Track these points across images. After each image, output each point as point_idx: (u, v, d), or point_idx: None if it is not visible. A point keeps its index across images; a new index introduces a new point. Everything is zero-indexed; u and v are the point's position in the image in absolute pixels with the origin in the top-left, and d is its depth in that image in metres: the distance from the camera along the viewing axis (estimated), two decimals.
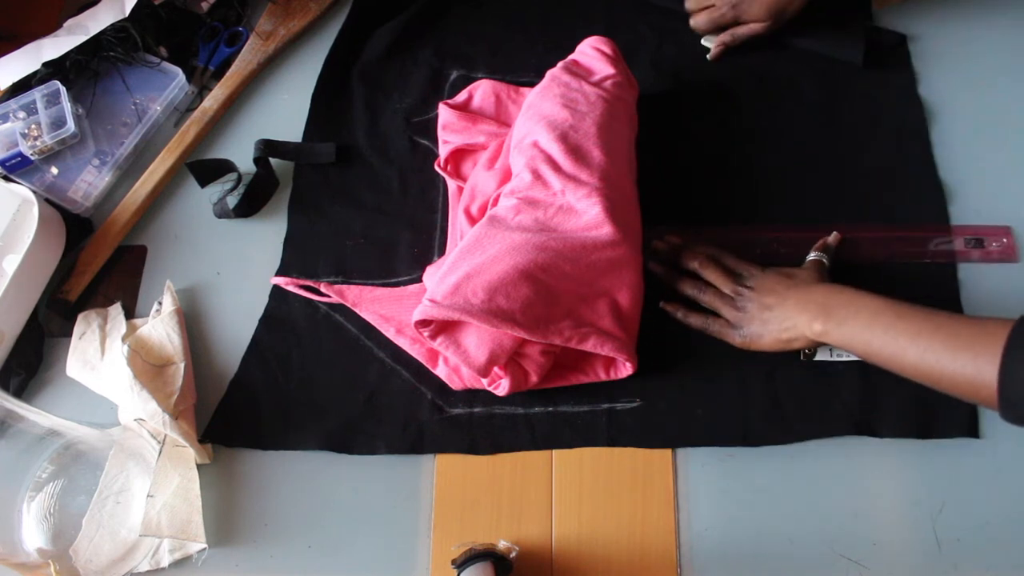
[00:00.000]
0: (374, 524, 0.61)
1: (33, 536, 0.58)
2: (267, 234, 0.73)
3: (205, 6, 0.84)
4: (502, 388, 0.60)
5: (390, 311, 0.66)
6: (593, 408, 0.63)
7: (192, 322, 0.69)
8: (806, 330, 0.57)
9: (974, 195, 0.69)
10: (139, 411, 0.61)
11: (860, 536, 0.58)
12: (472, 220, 0.68)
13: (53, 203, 0.73)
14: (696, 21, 0.78)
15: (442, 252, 0.70)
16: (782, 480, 0.60)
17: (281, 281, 0.69)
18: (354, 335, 0.67)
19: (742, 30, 0.76)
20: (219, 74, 0.81)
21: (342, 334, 0.67)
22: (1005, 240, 0.67)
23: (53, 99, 0.76)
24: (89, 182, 0.75)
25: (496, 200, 0.66)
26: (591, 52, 0.70)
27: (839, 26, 0.77)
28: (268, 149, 0.74)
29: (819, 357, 0.63)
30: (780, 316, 0.59)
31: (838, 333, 0.56)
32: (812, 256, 0.64)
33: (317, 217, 0.73)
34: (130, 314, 0.70)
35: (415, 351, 0.64)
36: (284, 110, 0.80)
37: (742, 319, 0.61)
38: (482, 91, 0.75)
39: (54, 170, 0.76)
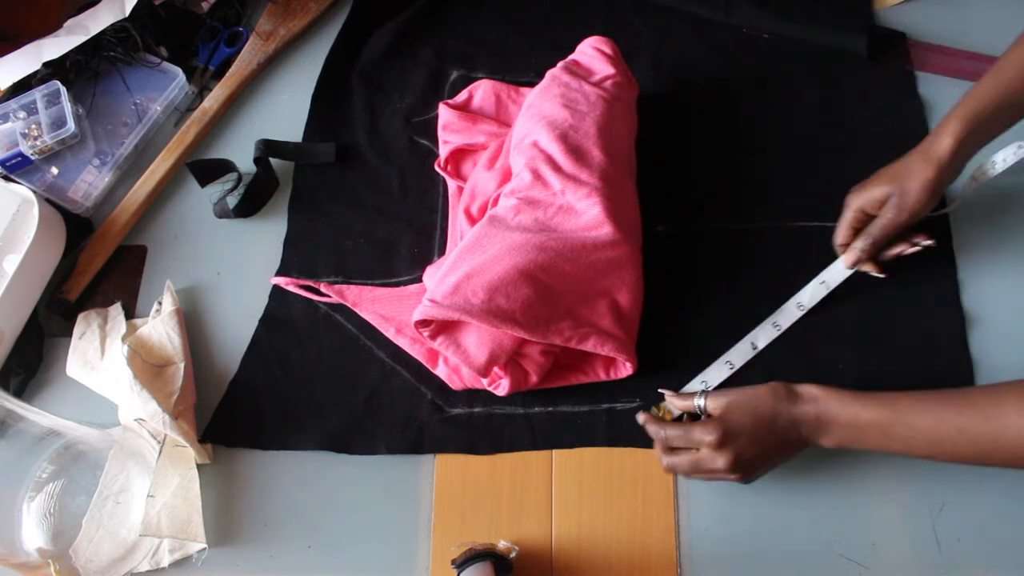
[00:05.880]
0: (374, 524, 0.61)
1: (33, 536, 0.58)
2: (267, 234, 0.73)
3: (205, 6, 0.84)
4: (502, 388, 0.60)
5: (390, 311, 0.66)
6: (593, 408, 0.63)
7: (192, 322, 0.69)
8: (819, 444, 0.55)
9: (973, 193, 0.69)
10: (139, 411, 0.61)
11: (860, 536, 0.58)
12: (472, 220, 0.68)
13: (53, 203, 0.73)
14: (860, 245, 0.62)
15: (442, 252, 0.70)
16: (782, 480, 0.60)
17: (281, 281, 0.69)
18: (354, 335, 0.67)
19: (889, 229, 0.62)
20: (219, 74, 0.81)
21: (342, 334, 0.67)
22: None
23: (53, 99, 0.76)
24: (89, 182, 0.75)
25: (496, 200, 0.66)
26: (591, 52, 0.70)
27: (842, 21, 0.77)
28: (268, 149, 0.74)
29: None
30: (784, 448, 0.55)
31: (855, 449, 0.54)
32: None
33: (317, 217, 0.73)
34: (130, 314, 0.70)
35: (415, 351, 0.64)
36: (284, 110, 0.80)
37: (746, 480, 0.56)
38: (482, 91, 0.75)
39: (54, 170, 0.76)
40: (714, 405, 0.56)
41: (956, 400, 0.51)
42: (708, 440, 0.54)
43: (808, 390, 0.55)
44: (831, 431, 0.54)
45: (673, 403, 0.60)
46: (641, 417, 0.59)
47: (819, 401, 0.54)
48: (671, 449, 0.57)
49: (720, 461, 0.54)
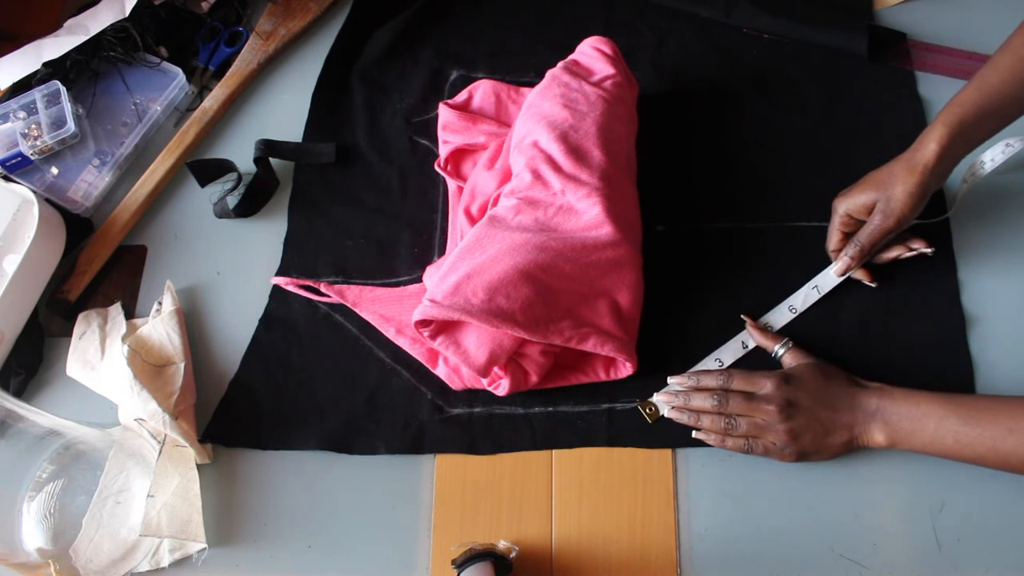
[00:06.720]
0: (374, 524, 0.61)
1: (33, 536, 0.58)
2: (267, 234, 0.73)
3: (205, 6, 0.84)
4: (502, 388, 0.60)
5: (390, 311, 0.66)
6: (593, 408, 0.63)
7: (192, 322, 0.69)
8: (868, 441, 0.58)
9: (974, 193, 0.69)
10: (139, 411, 0.61)
11: (860, 536, 0.58)
12: (472, 220, 0.68)
13: (53, 203, 0.73)
14: (851, 253, 0.63)
15: (442, 252, 0.70)
16: (782, 480, 0.60)
17: (281, 281, 0.69)
18: (354, 335, 0.67)
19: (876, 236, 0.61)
20: (219, 74, 0.81)
21: (342, 334, 0.67)
22: None
23: (53, 99, 0.76)
24: (89, 182, 0.75)
25: (496, 200, 0.66)
26: (591, 52, 0.70)
27: (841, 21, 0.77)
28: (268, 149, 0.74)
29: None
30: (836, 428, 0.58)
31: (907, 446, 0.57)
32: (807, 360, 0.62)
33: (317, 217, 0.73)
34: (130, 314, 0.70)
35: (415, 351, 0.64)
36: (284, 110, 0.80)
37: (790, 439, 0.58)
38: (482, 91, 0.75)
39: (54, 170, 0.76)
40: (791, 358, 0.62)
41: (1014, 401, 0.54)
42: (769, 384, 0.59)
43: (875, 383, 0.59)
44: (888, 422, 0.57)
45: (756, 336, 0.63)
46: (677, 378, 0.63)
47: (884, 391, 0.58)
48: (724, 397, 0.60)
49: (775, 402, 0.58)
